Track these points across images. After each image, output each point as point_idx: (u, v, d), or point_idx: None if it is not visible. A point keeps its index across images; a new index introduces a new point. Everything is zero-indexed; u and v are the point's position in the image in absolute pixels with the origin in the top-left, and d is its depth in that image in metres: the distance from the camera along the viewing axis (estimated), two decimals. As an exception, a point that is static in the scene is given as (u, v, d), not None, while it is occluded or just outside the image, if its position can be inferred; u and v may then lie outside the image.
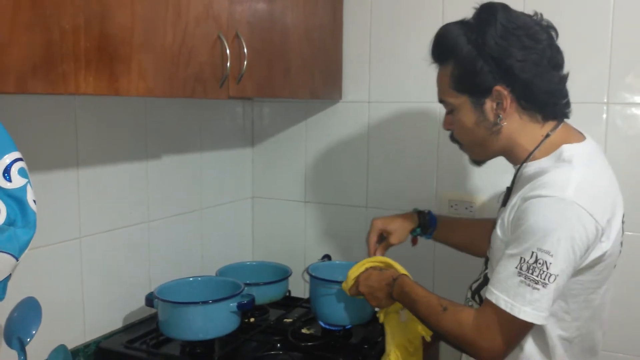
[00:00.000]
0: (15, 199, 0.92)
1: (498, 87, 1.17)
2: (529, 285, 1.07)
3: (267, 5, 1.57)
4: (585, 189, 1.09)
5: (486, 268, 1.29)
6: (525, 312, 1.08)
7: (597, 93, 1.69)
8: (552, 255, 1.06)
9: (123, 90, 1.13)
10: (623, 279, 1.68)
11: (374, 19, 1.95)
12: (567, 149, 1.16)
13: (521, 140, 1.21)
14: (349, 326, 1.65)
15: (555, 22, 1.21)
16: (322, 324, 1.67)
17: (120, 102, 1.59)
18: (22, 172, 0.93)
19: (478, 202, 1.85)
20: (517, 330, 1.11)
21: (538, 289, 1.07)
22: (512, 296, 1.09)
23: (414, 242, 1.66)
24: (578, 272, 1.13)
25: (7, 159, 0.92)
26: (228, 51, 1.37)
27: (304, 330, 1.69)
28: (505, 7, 1.19)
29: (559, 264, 1.06)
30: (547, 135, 1.20)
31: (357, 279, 1.43)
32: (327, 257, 1.81)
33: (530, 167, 1.19)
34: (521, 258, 1.08)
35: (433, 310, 1.22)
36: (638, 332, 1.71)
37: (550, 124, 1.21)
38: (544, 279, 1.06)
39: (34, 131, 1.37)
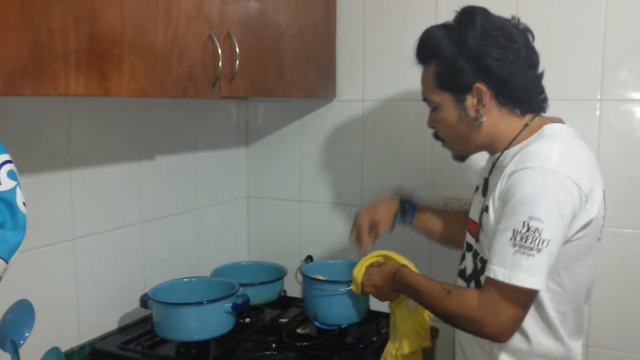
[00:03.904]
0: (5, 202, 0.91)
1: (478, 84, 1.24)
2: (523, 253, 1.11)
3: (259, 4, 1.56)
4: (567, 159, 1.17)
5: (467, 254, 1.33)
6: (521, 279, 1.11)
7: (590, 89, 1.69)
8: (542, 222, 1.10)
9: (114, 90, 1.12)
10: (618, 276, 1.68)
11: (367, 17, 1.95)
12: (548, 127, 1.24)
13: (501, 133, 1.27)
14: (344, 325, 1.65)
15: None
16: (317, 323, 1.67)
17: (113, 102, 1.59)
18: (11, 175, 0.92)
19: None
20: (519, 300, 1.14)
21: (533, 255, 1.11)
22: (508, 267, 1.12)
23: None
24: (567, 241, 1.17)
25: (-4, 161, 0.91)
26: (220, 51, 1.37)
27: (299, 330, 1.69)
28: (483, 11, 1.26)
29: (550, 229, 1.11)
30: (526, 125, 1.26)
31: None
32: (309, 258, 1.81)
33: (511, 151, 1.25)
34: (514, 230, 1.12)
35: (437, 295, 1.25)
36: (633, 329, 1.71)
37: (528, 117, 1.28)
38: (538, 245, 1.10)
39: (26, 132, 1.36)
